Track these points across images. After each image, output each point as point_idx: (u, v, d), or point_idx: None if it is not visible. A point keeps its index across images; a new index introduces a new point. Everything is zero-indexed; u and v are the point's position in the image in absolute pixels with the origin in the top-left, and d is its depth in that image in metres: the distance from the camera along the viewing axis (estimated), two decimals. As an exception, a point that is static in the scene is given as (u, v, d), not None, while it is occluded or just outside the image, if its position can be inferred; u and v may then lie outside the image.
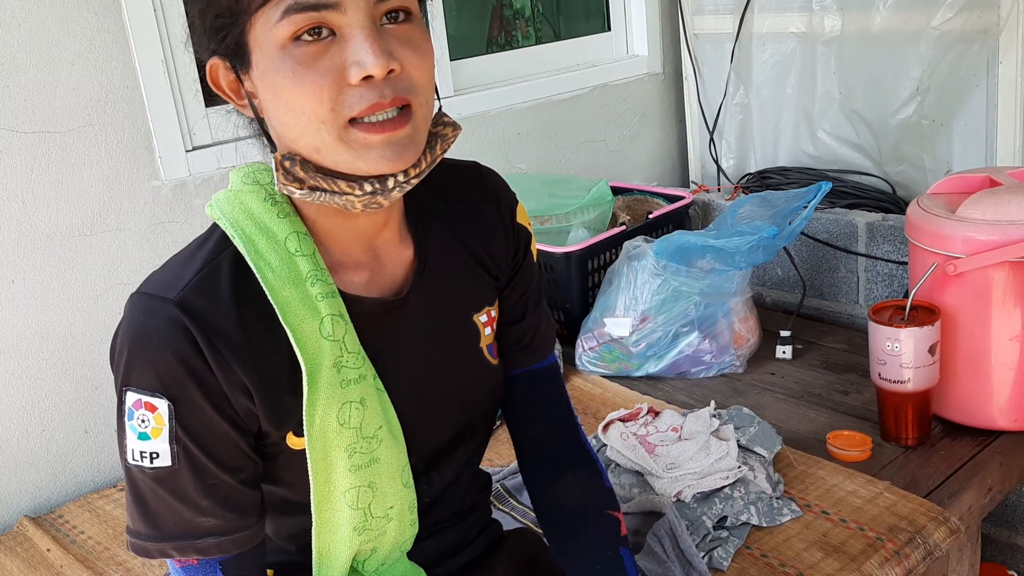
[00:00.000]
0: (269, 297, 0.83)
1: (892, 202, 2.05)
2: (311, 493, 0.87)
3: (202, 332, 0.80)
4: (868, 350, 1.51)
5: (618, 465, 1.47)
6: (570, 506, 1.03)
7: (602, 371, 1.86)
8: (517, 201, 1.03)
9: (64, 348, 1.63)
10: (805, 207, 1.77)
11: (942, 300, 1.48)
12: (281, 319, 0.83)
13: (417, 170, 0.82)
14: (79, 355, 1.65)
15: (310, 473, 0.86)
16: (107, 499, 1.63)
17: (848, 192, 2.09)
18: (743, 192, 2.25)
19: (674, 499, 1.37)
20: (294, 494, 0.90)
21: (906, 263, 1.84)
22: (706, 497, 1.38)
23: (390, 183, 0.81)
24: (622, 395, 1.77)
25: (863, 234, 1.98)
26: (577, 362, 1.88)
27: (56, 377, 1.63)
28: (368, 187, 0.80)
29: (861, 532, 1.32)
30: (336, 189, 0.81)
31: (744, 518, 1.35)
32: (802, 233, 2.02)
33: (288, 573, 0.97)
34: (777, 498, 1.39)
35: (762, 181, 2.25)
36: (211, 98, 1.76)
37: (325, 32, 0.77)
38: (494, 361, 1.01)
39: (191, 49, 0.87)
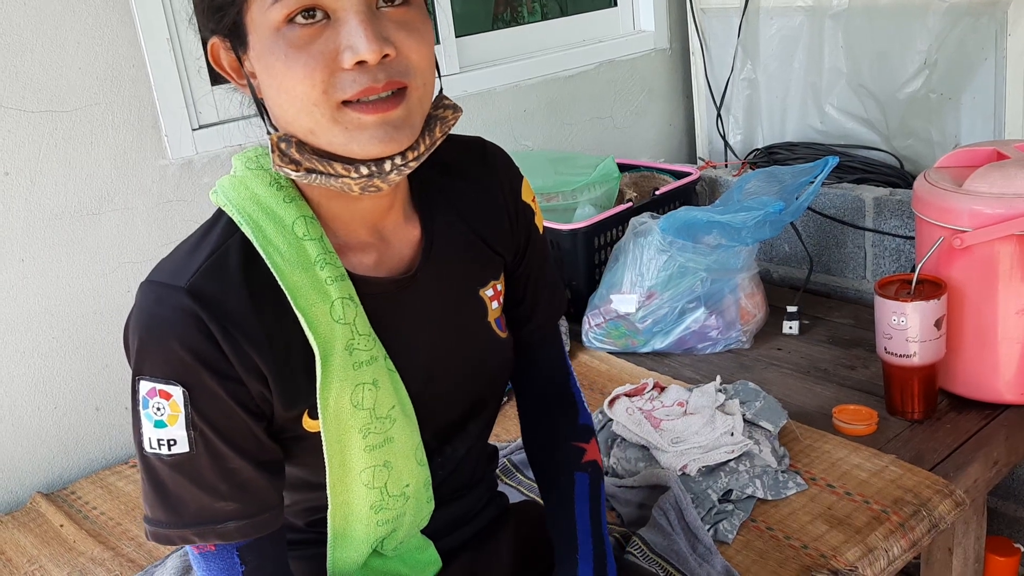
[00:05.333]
0: (279, 282, 0.83)
1: (900, 177, 2.05)
2: (327, 475, 0.88)
3: (215, 319, 0.80)
4: (875, 325, 1.51)
5: (624, 439, 1.48)
6: (545, 440, 1.11)
7: (608, 347, 1.87)
8: (522, 178, 1.03)
9: (74, 326, 1.64)
10: (812, 182, 1.77)
11: (948, 274, 1.48)
12: (292, 304, 0.83)
13: (415, 153, 0.82)
14: (89, 333, 1.66)
15: (325, 455, 0.87)
16: (119, 475, 1.65)
17: (855, 167, 2.08)
18: (750, 168, 2.25)
19: (679, 473, 1.38)
20: (308, 474, 0.91)
21: (913, 238, 1.83)
22: (711, 471, 1.39)
23: (387, 166, 0.80)
24: (628, 371, 1.78)
25: (870, 209, 1.97)
26: (583, 338, 1.89)
27: (67, 355, 1.65)
28: (364, 170, 0.80)
29: (866, 505, 1.33)
30: (332, 171, 0.81)
31: (749, 491, 1.36)
32: (809, 208, 2.01)
33: (293, 545, 0.97)
34: (782, 471, 1.40)
35: (769, 156, 2.25)
36: (217, 77, 1.76)
37: (319, 15, 0.76)
38: (503, 334, 1.01)
39: (196, 28, 0.87)
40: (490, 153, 1.02)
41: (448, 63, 2.13)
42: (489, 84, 2.17)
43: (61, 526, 1.51)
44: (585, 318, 1.89)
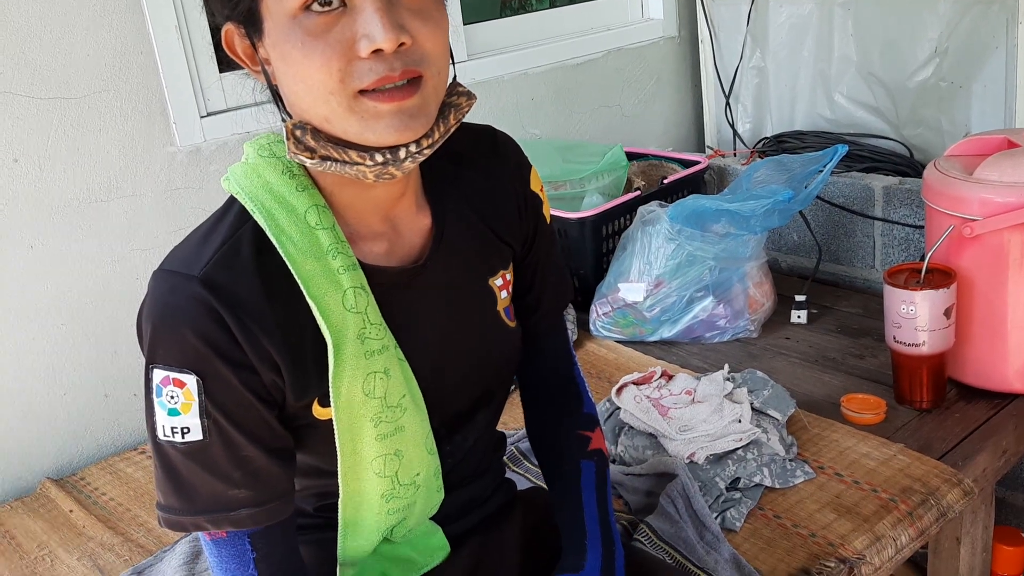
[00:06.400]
0: (292, 271, 0.83)
1: (909, 165, 2.04)
2: (339, 464, 0.88)
3: (228, 307, 0.80)
4: (883, 314, 1.51)
5: (631, 427, 1.48)
6: (550, 429, 1.11)
7: (616, 336, 1.86)
8: (531, 167, 1.03)
9: (83, 313, 1.65)
10: (821, 171, 1.77)
11: (958, 263, 1.47)
12: (305, 292, 0.83)
13: (430, 140, 0.82)
14: (97, 320, 1.66)
15: (337, 444, 0.87)
16: (128, 462, 1.66)
17: (865, 156, 2.08)
18: (759, 156, 2.24)
19: (687, 461, 1.38)
20: (318, 461, 0.91)
21: (923, 227, 1.83)
22: (719, 459, 1.38)
23: (402, 153, 0.80)
24: (636, 360, 1.78)
25: (879, 198, 1.97)
26: (591, 327, 1.89)
27: (76, 342, 1.65)
28: (379, 157, 0.80)
29: (874, 493, 1.32)
30: (347, 159, 0.81)
31: (757, 479, 1.35)
32: (818, 197, 2.01)
33: (301, 530, 0.98)
34: (790, 460, 1.40)
35: (778, 145, 2.24)
36: (225, 64, 1.76)
37: (336, 2, 0.76)
38: (511, 324, 1.02)
39: (206, 14, 0.87)
40: (500, 142, 1.02)
41: (456, 51, 2.10)
42: (497, 72, 2.16)
43: (70, 511, 1.52)
44: (593, 307, 1.89)
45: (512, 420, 1.59)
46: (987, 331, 1.49)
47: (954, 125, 2.01)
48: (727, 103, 2.40)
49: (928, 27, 1.97)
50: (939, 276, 1.47)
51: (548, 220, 1.06)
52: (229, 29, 0.84)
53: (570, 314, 1.89)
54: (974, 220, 1.43)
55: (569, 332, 1.83)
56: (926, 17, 1.97)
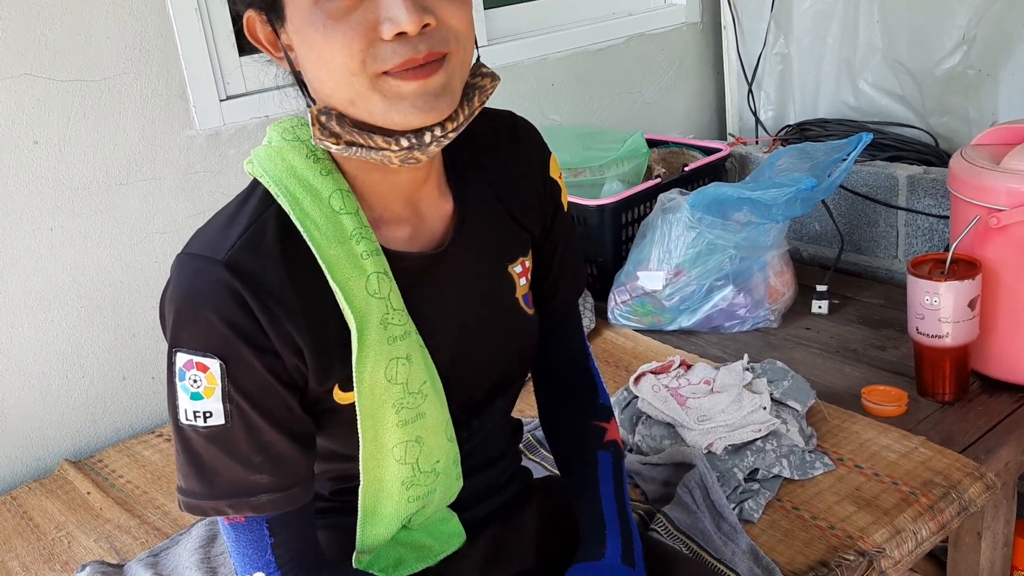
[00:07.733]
0: (316, 255, 0.83)
1: (935, 155, 2.01)
2: (360, 451, 0.88)
3: (252, 292, 0.80)
4: (906, 305, 1.49)
5: (649, 417, 1.47)
6: (566, 420, 1.10)
7: (634, 325, 1.85)
8: (550, 154, 1.03)
9: (102, 296, 1.65)
10: (845, 159, 1.75)
11: (983, 254, 1.45)
12: (329, 277, 0.83)
13: (454, 123, 0.81)
14: (116, 303, 1.67)
15: (359, 431, 0.87)
16: (145, 444, 1.66)
17: (889, 144, 2.05)
18: (781, 144, 2.22)
19: (705, 451, 1.37)
20: (337, 445, 0.91)
21: (947, 217, 1.81)
22: (738, 449, 1.37)
23: (427, 138, 0.80)
24: (654, 349, 1.77)
25: (904, 187, 1.94)
26: (609, 315, 1.88)
27: (94, 324, 1.66)
28: (405, 142, 0.80)
29: (895, 486, 1.31)
30: (372, 144, 0.80)
31: (776, 471, 1.34)
32: (841, 186, 1.98)
33: (317, 514, 0.97)
34: (810, 451, 1.39)
35: (801, 133, 2.21)
36: (245, 48, 1.75)
37: None
38: (529, 311, 1.01)
39: (227, 1, 0.86)
40: (521, 128, 1.01)
41: (476, 36, 2.10)
42: (517, 57, 2.15)
43: (88, 493, 1.53)
44: (611, 295, 1.88)
45: (528, 408, 1.59)
46: (1012, 323, 1.47)
47: (981, 114, 1.98)
48: (750, 90, 2.37)
49: (956, 14, 1.94)
50: (964, 267, 1.45)
51: (566, 207, 1.05)
52: (251, 16, 0.83)
53: (588, 302, 1.89)
54: (1000, 210, 1.41)
55: (586, 321, 1.83)
56: (954, 4, 1.94)
